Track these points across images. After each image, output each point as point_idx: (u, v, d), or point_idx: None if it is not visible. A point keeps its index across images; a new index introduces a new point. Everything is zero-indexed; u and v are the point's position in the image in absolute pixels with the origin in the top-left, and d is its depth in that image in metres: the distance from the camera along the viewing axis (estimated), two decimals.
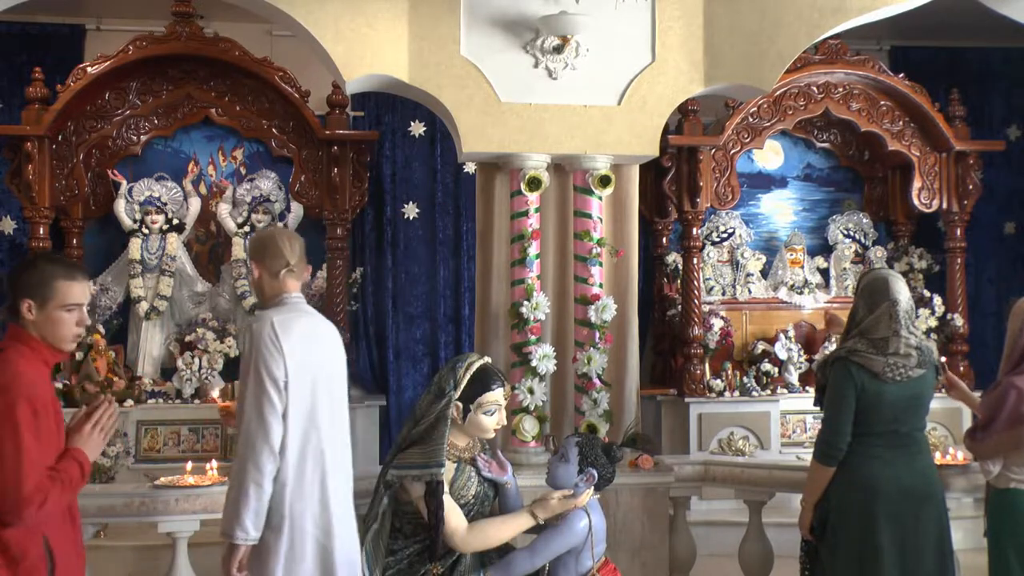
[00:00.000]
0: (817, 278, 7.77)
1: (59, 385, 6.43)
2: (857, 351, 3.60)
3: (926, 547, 3.56)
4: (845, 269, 7.80)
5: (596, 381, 4.84)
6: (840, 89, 7.30)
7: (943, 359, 4.64)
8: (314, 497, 3.23)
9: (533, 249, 4.89)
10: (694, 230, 7.11)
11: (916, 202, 7.46)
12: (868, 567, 3.53)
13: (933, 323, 7.42)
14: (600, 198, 4.97)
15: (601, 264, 4.97)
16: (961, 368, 7.34)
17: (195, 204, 7.21)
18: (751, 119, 7.22)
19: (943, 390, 4.15)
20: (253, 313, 7.04)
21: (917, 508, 3.56)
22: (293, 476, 3.19)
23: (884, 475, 3.55)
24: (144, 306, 6.97)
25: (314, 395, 3.26)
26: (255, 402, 3.16)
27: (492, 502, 3.39)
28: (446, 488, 3.17)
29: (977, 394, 4.29)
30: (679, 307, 7.25)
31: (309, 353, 3.27)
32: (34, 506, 2.60)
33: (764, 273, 7.79)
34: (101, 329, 6.79)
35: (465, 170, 7.69)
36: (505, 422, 3.44)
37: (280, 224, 7.20)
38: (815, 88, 7.27)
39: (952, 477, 4.30)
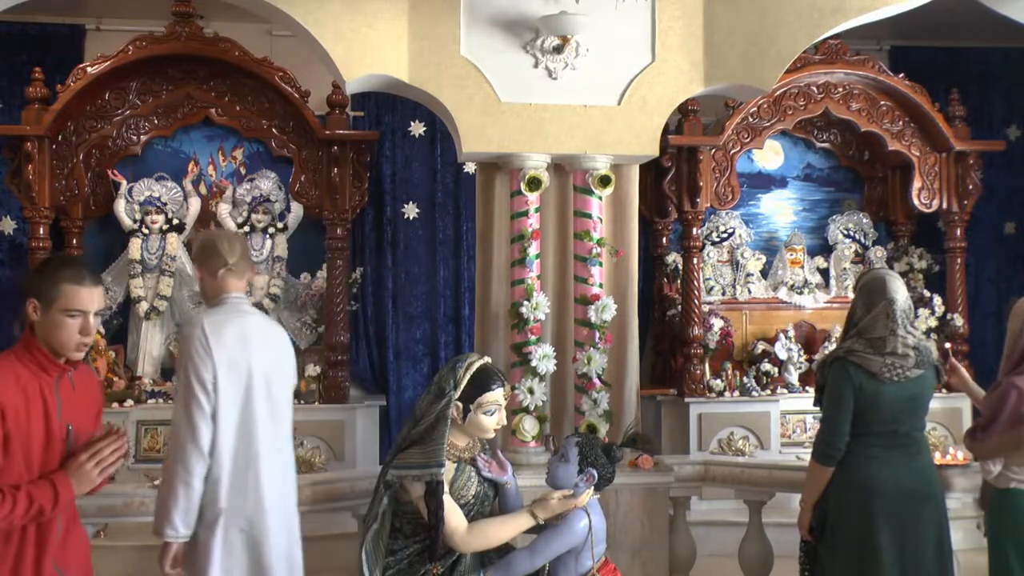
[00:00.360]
0: (817, 278, 7.77)
1: None
2: (855, 351, 3.60)
3: (925, 547, 3.56)
4: (845, 269, 7.80)
5: (596, 381, 4.84)
6: (840, 89, 7.30)
7: (949, 347, 4.63)
8: (248, 496, 3.30)
9: (533, 249, 4.89)
10: (694, 230, 7.11)
11: (916, 202, 7.46)
12: (867, 567, 3.53)
13: (933, 323, 7.42)
14: (600, 198, 4.96)
15: (601, 264, 4.97)
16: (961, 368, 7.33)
17: (195, 204, 7.21)
18: (751, 119, 7.22)
19: (943, 390, 4.15)
20: None
21: (916, 508, 3.56)
22: (228, 475, 3.27)
23: (883, 475, 3.55)
24: (144, 306, 6.97)
25: (248, 395, 3.32)
26: (184, 404, 3.25)
27: (492, 502, 3.39)
28: (446, 488, 3.17)
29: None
30: (679, 307, 7.25)
31: (243, 354, 3.33)
32: None
33: (764, 273, 7.79)
34: (101, 329, 6.79)
35: (465, 170, 7.69)
36: (505, 422, 3.44)
37: (280, 224, 7.21)
38: (815, 88, 7.27)
39: (952, 477, 4.30)
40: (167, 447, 3.30)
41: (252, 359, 3.34)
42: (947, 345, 4.57)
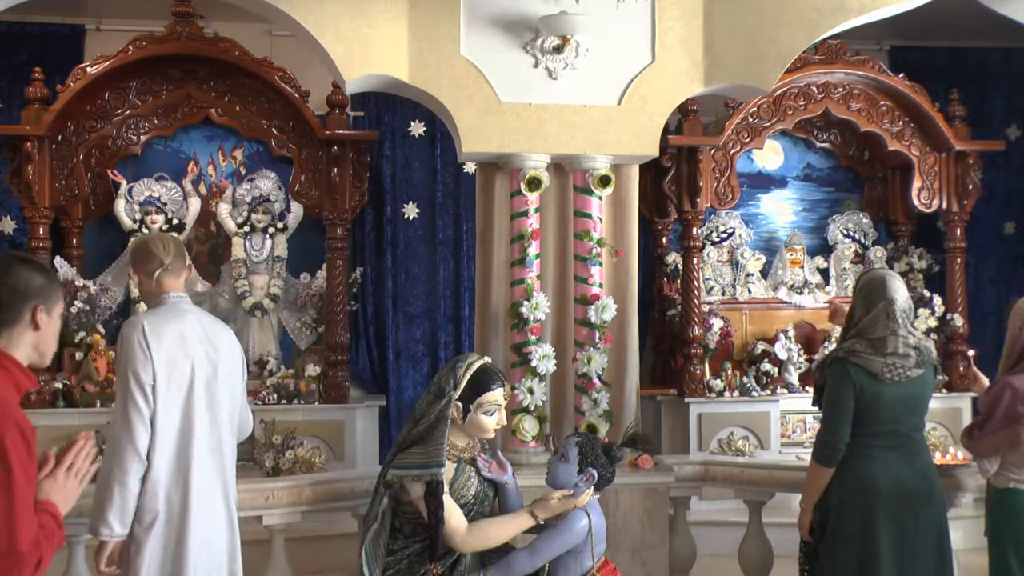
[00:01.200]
0: (817, 278, 7.77)
1: (59, 385, 6.44)
2: (855, 351, 3.59)
3: (925, 548, 3.55)
4: (845, 269, 7.80)
5: (596, 381, 4.84)
6: (840, 89, 7.30)
7: (972, 354, 4.62)
8: (182, 496, 3.31)
9: (533, 249, 4.89)
10: (694, 230, 7.11)
11: (916, 202, 7.46)
12: (866, 567, 3.52)
13: (933, 323, 7.42)
14: (600, 198, 4.96)
15: (601, 264, 4.97)
16: (961, 368, 7.34)
17: (195, 204, 7.21)
18: (751, 119, 7.22)
19: (943, 390, 4.15)
20: (253, 313, 7.06)
21: (916, 509, 3.56)
22: (167, 476, 3.28)
23: (883, 475, 3.55)
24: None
25: (189, 395, 3.33)
26: (122, 404, 3.26)
27: (492, 502, 3.39)
28: (446, 488, 3.17)
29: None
30: (679, 307, 7.25)
31: (184, 353, 3.34)
32: (29, 569, 2.07)
33: (764, 273, 7.79)
34: (101, 329, 6.79)
35: (465, 170, 7.69)
36: (505, 422, 3.44)
37: (280, 224, 7.21)
38: (815, 88, 7.27)
39: (964, 477, 4.29)
40: (105, 448, 3.29)
41: (193, 359, 3.35)
42: (971, 352, 4.55)
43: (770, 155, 7.95)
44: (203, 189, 7.35)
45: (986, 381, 4.16)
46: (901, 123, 7.39)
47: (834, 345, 4.04)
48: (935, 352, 3.73)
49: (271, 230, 7.19)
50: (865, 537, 3.53)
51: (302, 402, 6.78)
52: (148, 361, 3.26)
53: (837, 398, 3.60)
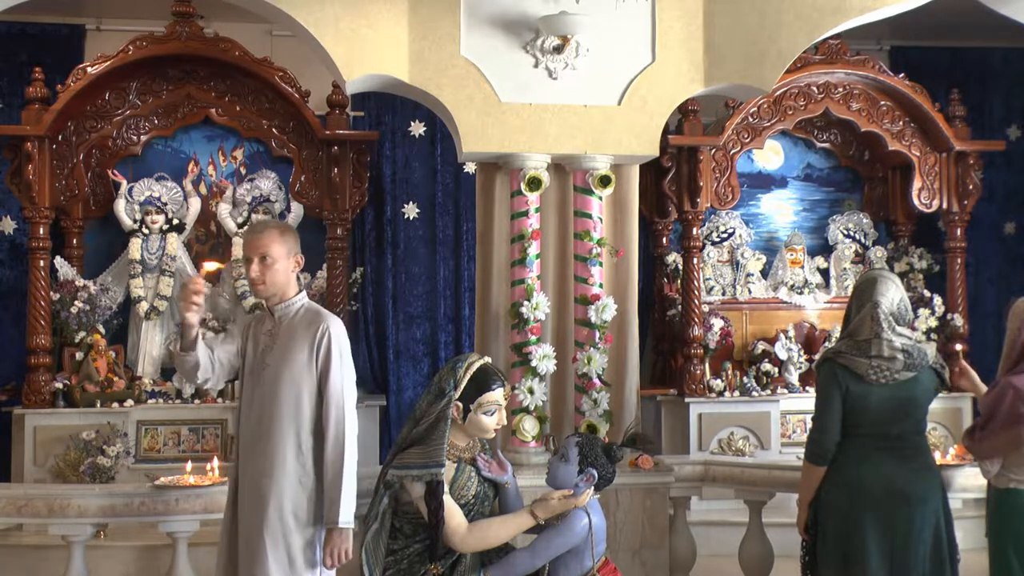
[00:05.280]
0: (817, 278, 7.77)
1: (59, 385, 6.45)
2: (842, 352, 3.63)
3: (917, 550, 3.54)
4: (845, 269, 7.80)
5: (596, 381, 4.84)
6: (840, 89, 7.30)
7: (960, 348, 4.62)
8: None
9: (533, 249, 4.89)
10: (694, 230, 7.11)
11: (916, 202, 7.46)
12: (853, 567, 3.53)
13: (933, 323, 7.42)
14: (600, 198, 4.96)
15: (601, 264, 4.97)
16: (956, 369, 7.33)
17: (195, 204, 7.21)
18: (751, 119, 7.23)
19: (948, 391, 4.14)
20: (253, 313, 7.05)
21: (908, 512, 3.54)
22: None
23: (871, 476, 3.56)
24: (144, 306, 6.97)
25: None
26: (350, 398, 3.43)
27: (492, 502, 3.39)
28: (446, 488, 3.17)
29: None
30: (679, 307, 7.25)
31: None
32: None
33: (764, 273, 7.79)
34: (101, 329, 6.79)
35: (465, 170, 7.70)
36: (505, 422, 3.44)
37: None
38: (815, 88, 7.27)
39: (952, 477, 4.30)
40: (335, 443, 3.39)
41: None
42: (958, 347, 4.56)
43: (770, 155, 7.95)
44: (203, 189, 7.35)
45: (975, 376, 4.14)
46: (901, 123, 7.39)
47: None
48: (932, 354, 3.70)
49: None
50: (851, 536, 3.54)
51: None
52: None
53: (825, 397, 3.64)
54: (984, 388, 4.14)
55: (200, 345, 3.48)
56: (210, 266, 3.32)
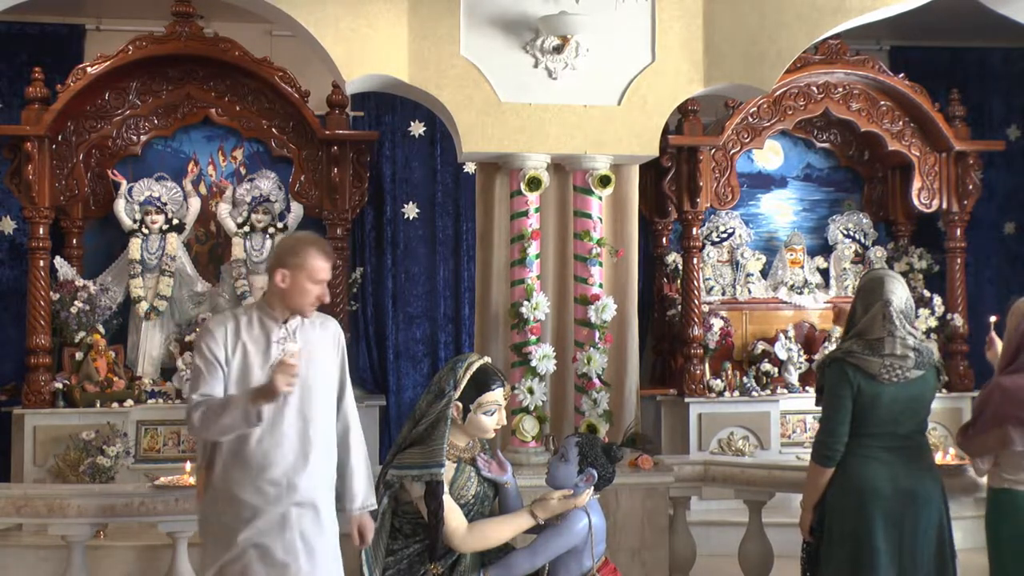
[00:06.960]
0: (817, 278, 7.77)
1: (59, 385, 6.44)
2: (853, 352, 3.60)
3: (925, 551, 3.54)
4: (845, 269, 7.80)
5: (596, 381, 4.84)
6: (840, 89, 7.30)
7: (994, 319, 4.64)
8: None
9: (533, 249, 4.89)
10: (694, 230, 7.11)
11: (916, 202, 7.46)
12: (863, 568, 3.52)
13: (933, 323, 7.42)
14: (600, 198, 4.97)
15: (601, 264, 4.97)
16: (961, 368, 7.35)
17: (195, 204, 7.21)
18: (751, 119, 7.22)
19: (944, 390, 4.15)
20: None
21: (915, 511, 3.55)
22: None
23: (881, 476, 3.55)
24: (144, 306, 6.97)
25: None
26: (353, 396, 3.56)
27: (492, 502, 3.39)
28: (446, 488, 3.17)
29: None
30: (679, 307, 7.25)
31: None
32: None
33: (764, 273, 7.79)
34: (101, 329, 6.79)
35: (465, 170, 7.69)
36: (505, 422, 3.44)
37: (280, 224, 7.19)
38: (815, 88, 7.27)
39: (961, 477, 4.30)
40: (356, 431, 3.51)
41: None
42: (992, 319, 4.57)
43: (770, 155, 7.95)
44: (203, 189, 7.34)
45: (1000, 346, 4.12)
46: (901, 123, 7.39)
47: (834, 345, 4.05)
48: (936, 354, 3.72)
49: (271, 230, 7.18)
50: (861, 538, 3.53)
51: None
52: None
53: (835, 398, 3.60)
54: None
55: None
56: (293, 347, 3.24)
